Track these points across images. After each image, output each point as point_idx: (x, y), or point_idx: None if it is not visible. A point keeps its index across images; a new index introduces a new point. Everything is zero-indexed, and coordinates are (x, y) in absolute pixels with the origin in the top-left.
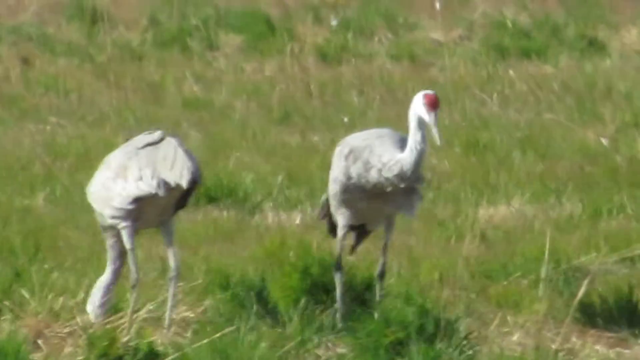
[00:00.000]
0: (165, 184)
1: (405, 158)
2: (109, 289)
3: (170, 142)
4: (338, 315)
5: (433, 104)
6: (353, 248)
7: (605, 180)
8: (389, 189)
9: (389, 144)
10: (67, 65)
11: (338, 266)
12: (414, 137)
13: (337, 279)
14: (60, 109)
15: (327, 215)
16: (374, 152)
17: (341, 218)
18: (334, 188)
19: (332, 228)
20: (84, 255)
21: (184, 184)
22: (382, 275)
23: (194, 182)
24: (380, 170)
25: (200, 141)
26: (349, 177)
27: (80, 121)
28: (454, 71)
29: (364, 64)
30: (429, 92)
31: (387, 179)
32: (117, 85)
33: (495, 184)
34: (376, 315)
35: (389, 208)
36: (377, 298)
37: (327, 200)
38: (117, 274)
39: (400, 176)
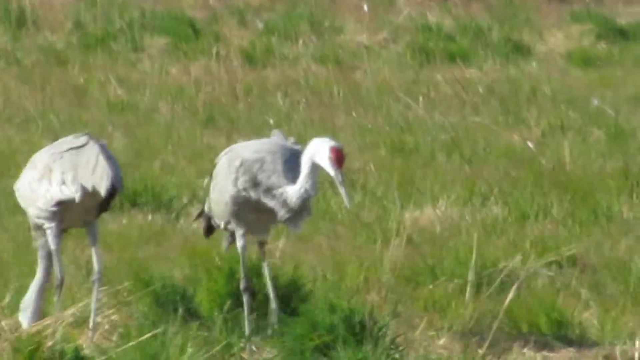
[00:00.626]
0: (85, 189)
1: (292, 195)
2: (42, 289)
3: (93, 148)
4: (247, 331)
5: (339, 160)
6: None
7: (531, 183)
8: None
9: (280, 163)
10: None
11: (245, 285)
12: (304, 183)
13: (245, 300)
14: None
15: (205, 217)
16: (264, 170)
17: (237, 228)
18: (222, 199)
19: (209, 228)
20: (8, 259)
21: (103, 191)
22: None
23: (113, 190)
24: (265, 191)
25: (126, 144)
26: (238, 189)
27: (6, 123)
28: (379, 74)
29: (289, 67)
30: (336, 145)
31: (271, 201)
32: (43, 89)
33: (421, 187)
34: (302, 319)
35: (276, 222)
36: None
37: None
38: (48, 273)
39: (285, 206)
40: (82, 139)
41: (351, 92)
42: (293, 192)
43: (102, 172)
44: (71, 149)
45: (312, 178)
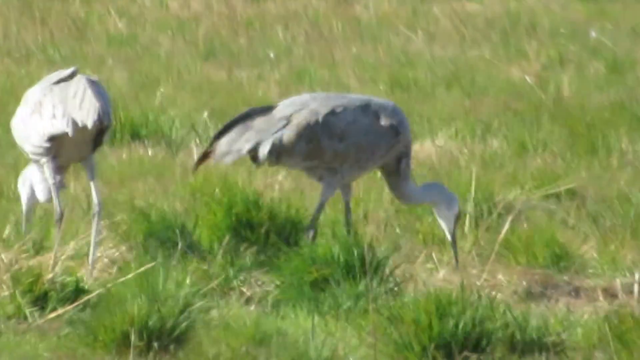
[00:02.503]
0: (74, 122)
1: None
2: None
3: (81, 80)
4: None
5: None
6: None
7: (530, 117)
8: None
9: None
10: None
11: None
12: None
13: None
14: None
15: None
16: None
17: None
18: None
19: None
20: (9, 193)
21: (89, 124)
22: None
23: (100, 123)
24: None
25: (126, 78)
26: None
27: (6, 57)
28: (379, 7)
29: (290, 0)
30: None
31: None
32: (43, 22)
33: (420, 121)
34: (301, 252)
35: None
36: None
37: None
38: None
39: None
40: (69, 71)
41: (351, 25)
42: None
43: (90, 105)
44: (60, 80)
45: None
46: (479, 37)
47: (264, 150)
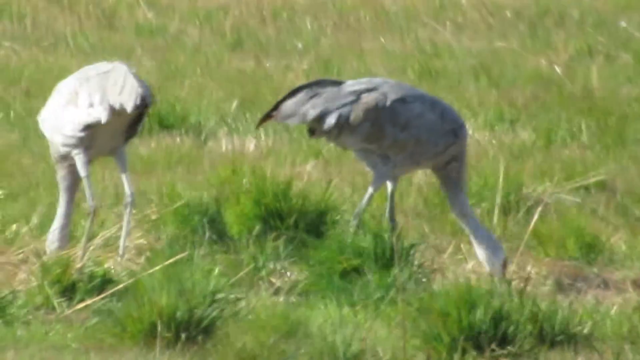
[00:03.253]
0: (113, 108)
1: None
2: (66, 222)
3: (120, 68)
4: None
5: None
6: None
7: (559, 108)
8: None
9: None
10: None
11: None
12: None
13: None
14: (13, 33)
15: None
16: None
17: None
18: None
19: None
20: (37, 182)
21: (130, 107)
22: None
23: (143, 104)
24: None
25: (154, 67)
26: None
27: (34, 46)
28: None
29: None
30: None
31: None
32: (72, 10)
33: None
34: (330, 242)
35: None
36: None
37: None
38: (71, 205)
39: None
40: (109, 65)
41: (378, 16)
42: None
43: (131, 89)
44: (99, 73)
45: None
46: (507, 28)
47: (330, 121)
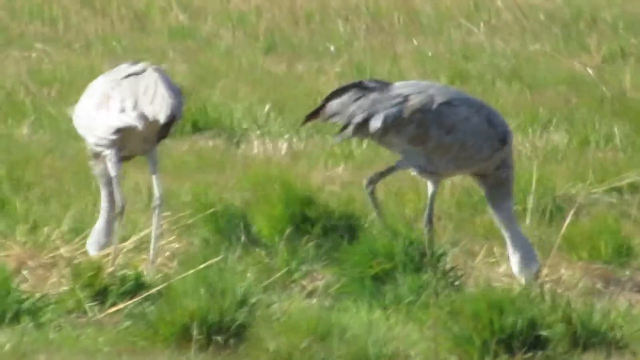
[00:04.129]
0: (145, 117)
1: None
2: (110, 218)
3: (152, 75)
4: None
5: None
6: None
7: (592, 110)
8: None
9: None
10: None
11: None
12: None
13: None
14: (46, 36)
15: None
16: None
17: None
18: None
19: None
20: (69, 185)
21: (162, 119)
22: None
23: (173, 118)
24: None
25: (186, 70)
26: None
27: (66, 48)
28: (440, 0)
29: None
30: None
31: None
32: (104, 13)
33: None
34: (362, 246)
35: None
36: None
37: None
38: (112, 199)
39: None
40: (140, 66)
41: (411, 18)
42: None
43: (162, 100)
44: (129, 75)
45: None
46: (540, 30)
47: (375, 124)
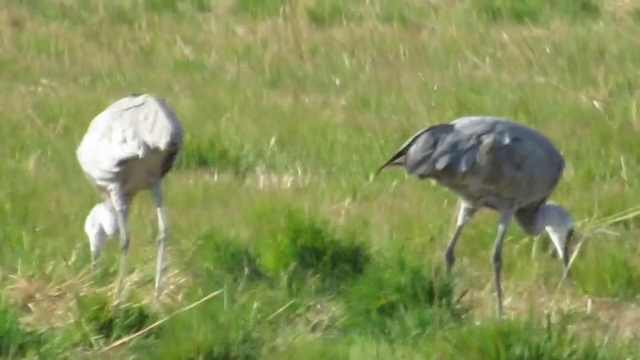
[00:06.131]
0: (145, 145)
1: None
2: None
3: (152, 104)
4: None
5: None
6: None
7: (598, 143)
8: None
9: None
10: (58, 27)
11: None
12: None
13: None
14: (51, 70)
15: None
16: None
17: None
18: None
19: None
20: (75, 219)
21: (162, 146)
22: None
23: (173, 145)
24: None
25: (192, 104)
26: None
27: (72, 83)
28: (446, 33)
29: (356, 26)
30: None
31: None
32: (109, 48)
33: None
34: (368, 278)
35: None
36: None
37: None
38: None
39: None
40: (141, 98)
41: (417, 51)
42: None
43: (162, 127)
44: (130, 107)
45: None
46: (546, 63)
47: (461, 168)
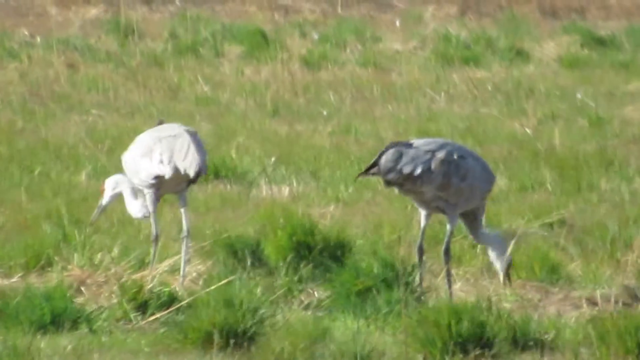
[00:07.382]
0: (177, 170)
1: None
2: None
3: (186, 138)
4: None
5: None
6: None
7: (529, 162)
8: None
9: None
10: (105, 69)
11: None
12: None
13: (418, 258)
14: (99, 103)
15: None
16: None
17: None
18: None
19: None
20: (117, 220)
21: (191, 174)
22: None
23: (199, 173)
24: None
25: (210, 130)
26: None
27: (115, 113)
28: (410, 75)
29: (339, 70)
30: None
31: None
32: (144, 85)
33: None
34: (348, 268)
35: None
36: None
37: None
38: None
39: None
40: (179, 130)
41: (387, 89)
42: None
43: (192, 159)
44: (169, 136)
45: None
46: (488, 98)
47: (417, 172)
